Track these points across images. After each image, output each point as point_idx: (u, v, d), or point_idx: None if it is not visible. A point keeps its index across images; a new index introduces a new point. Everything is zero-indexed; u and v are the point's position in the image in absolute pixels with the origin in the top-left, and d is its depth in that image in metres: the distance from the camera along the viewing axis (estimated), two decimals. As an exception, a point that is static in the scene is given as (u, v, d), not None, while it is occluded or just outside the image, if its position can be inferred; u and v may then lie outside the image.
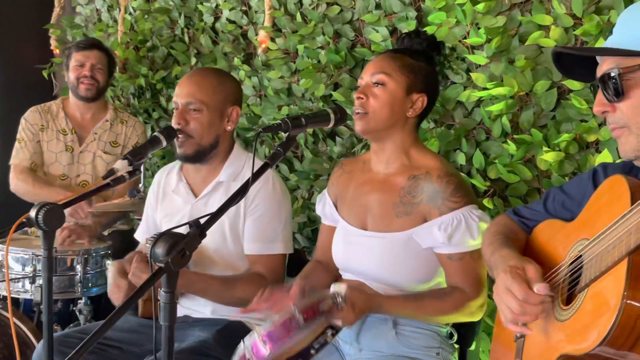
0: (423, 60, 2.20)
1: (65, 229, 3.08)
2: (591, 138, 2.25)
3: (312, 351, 1.84)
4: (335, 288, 1.89)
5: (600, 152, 2.21)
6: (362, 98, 2.12)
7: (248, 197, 2.35)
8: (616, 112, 1.43)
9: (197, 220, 1.53)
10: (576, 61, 1.54)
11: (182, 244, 1.44)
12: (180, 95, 2.41)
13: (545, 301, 1.46)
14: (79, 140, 3.61)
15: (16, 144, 3.62)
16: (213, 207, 2.37)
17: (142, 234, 2.69)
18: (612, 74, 1.40)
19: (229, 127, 2.46)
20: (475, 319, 2.11)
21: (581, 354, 1.31)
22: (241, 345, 1.73)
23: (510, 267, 1.53)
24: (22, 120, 3.64)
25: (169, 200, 2.58)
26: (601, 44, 2.07)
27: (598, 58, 1.49)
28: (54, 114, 3.65)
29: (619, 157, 2.21)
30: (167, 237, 1.45)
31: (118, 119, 3.67)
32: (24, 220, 1.91)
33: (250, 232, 2.41)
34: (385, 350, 2.09)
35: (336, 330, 1.87)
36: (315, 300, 1.80)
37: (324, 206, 2.38)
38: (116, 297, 2.32)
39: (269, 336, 1.69)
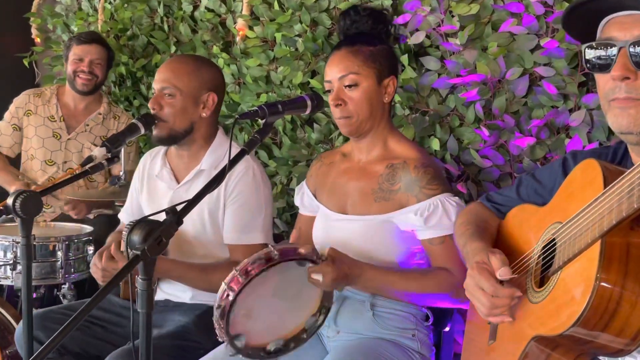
0: (377, 41, 2.15)
1: (69, 203, 3.15)
2: (562, 123, 2.27)
3: (304, 335, 1.91)
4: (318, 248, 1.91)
5: (570, 138, 2.23)
6: (340, 104, 2.11)
7: (228, 187, 2.36)
8: (638, 81, 1.32)
9: (173, 208, 1.53)
10: (588, 17, 1.40)
11: (158, 232, 1.44)
12: (156, 80, 2.42)
13: (515, 295, 1.46)
14: (67, 128, 3.63)
15: None
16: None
17: (125, 214, 2.69)
18: None
19: (204, 114, 2.42)
20: (462, 300, 2.02)
21: (554, 335, 1.31)
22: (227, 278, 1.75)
23: (477, 263, 1.53)
24: (12, 104, 3.67)
25: (152, 185, 2.58)
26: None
27: (628, 20, 1.35)
28: (46, 99, 3.66)
29: (588, 142, 2.25)
30: (144, 224, 1.46)
31: (111, 113, 3.71)
32: (0, 208, 1.94)
33: (230, 222, 2.40)
34: (362, 331, 2.10)
35: (327, 308, 1.92)
36: (295, 245, 1.81)
37: (302, 196, 2.39)
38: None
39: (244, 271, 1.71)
